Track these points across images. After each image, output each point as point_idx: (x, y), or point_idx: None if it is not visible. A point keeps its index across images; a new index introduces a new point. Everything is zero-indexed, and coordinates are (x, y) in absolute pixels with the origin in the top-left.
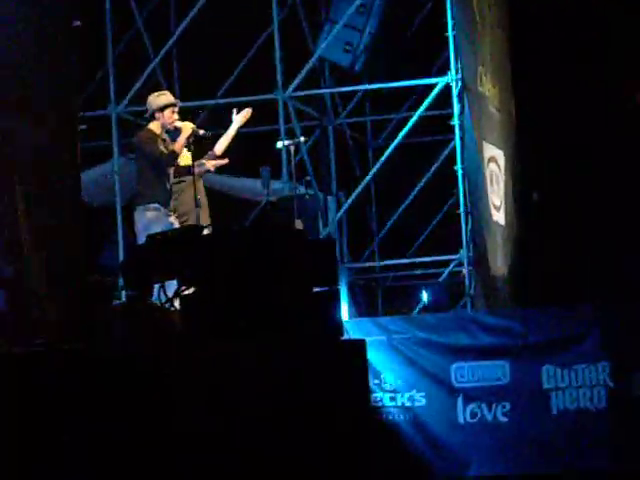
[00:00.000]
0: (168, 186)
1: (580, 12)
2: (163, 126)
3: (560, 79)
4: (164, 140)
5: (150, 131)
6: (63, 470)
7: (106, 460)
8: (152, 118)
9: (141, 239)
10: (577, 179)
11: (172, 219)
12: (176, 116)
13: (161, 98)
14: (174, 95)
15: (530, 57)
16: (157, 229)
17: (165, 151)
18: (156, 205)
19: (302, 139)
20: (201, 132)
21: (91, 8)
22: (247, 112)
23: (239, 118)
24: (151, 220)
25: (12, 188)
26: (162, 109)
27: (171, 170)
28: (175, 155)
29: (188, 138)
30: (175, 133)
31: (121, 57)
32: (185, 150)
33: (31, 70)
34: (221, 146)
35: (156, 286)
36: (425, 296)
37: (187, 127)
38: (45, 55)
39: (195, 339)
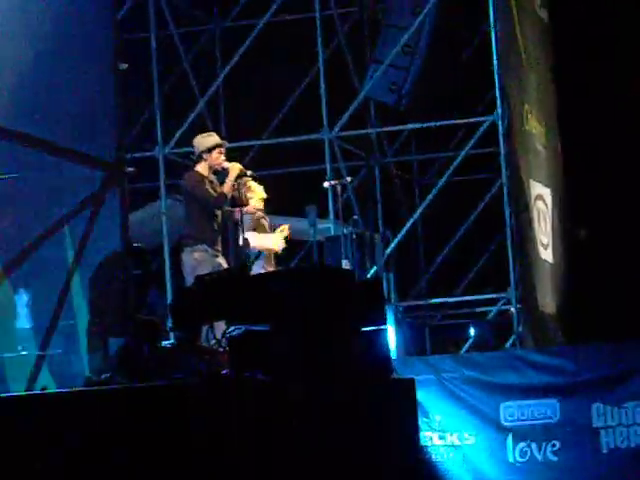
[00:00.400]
0: (216, 227)
1: (623, 42)
2: (210, 167)
3: (606, 115)
4: (211, 182)
5: (198, 173)
6: None
7: None
8: (199, 159)
9: (189, 280)
10: (624, 215)
11: (220, 260)
12: (223, 157)
13: (209, 139)
14: (220, 136)
15: (575, 94)
16: (205, 270)
17: (214, 193)
18: (204, 246)
19: (348, 179)
20: (248, 173)
21: (138, 49)
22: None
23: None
24: (199, 261)
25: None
26: (210, 150)
27: (219, 212)
28: (224, 196)
29: (236, 179)
30: (223, 174)
31: (168, 98)
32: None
33: (81, 111)
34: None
35: (204, 327)
36: (473, 332)
37: (235, 168)
38: (94, 97)
39: (243, 378)
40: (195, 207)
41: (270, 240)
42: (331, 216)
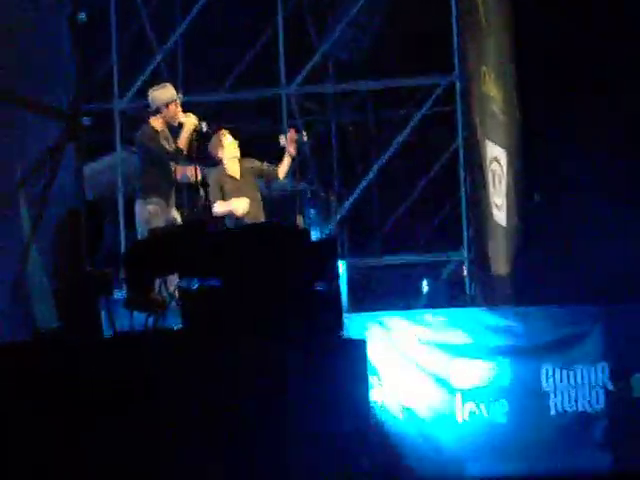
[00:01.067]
0: (170, 181)
1: (586, 12)
2: (166, 121)
3: (567, 79)
4: (166, 137)
5: (152, 127)
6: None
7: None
8: (155, 112)
9: (142, 232)
10: (579, 178)
11: (174, 214)
12: (180, 110)
13: (165, 93)
14: (177, 89)
15: (536, 57)
16: (158, 223)
17: (168, 148)
18: (158, 199)
19: (305, 136)
20: (204, 127)
21: (96, 1)
22: (292, 133)
23: (288, 141)
24: (152, 214)
25: (14, 182)
26: (167, 104)
27: (174, 165)
28: (179, 151)
29: (191, 133)
30: (177, 127)
31: (125, 50)
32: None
33: (34, 64)
34: (283, 171)
35: (157, 280)
36: (425, 286)
37: (190, 122)
38: (49, 49)
39: (194, 334)
40: (149, 161)
41: (232, 205)
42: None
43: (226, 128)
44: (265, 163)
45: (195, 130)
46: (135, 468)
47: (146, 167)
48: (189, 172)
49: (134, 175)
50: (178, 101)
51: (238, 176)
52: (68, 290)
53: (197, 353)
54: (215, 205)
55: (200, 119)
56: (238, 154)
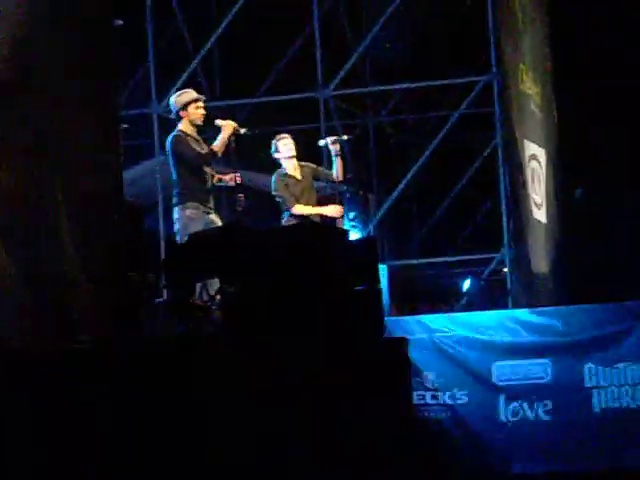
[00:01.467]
0: (206, 185)
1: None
2: (192, 123)
3: (603, 76)
4: (196, 139)
5: (180, 132)
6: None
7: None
8: (179, 118)
9: (181, 237)
10: (617, 177)
11: (213, 216)
12: (202, 111)
13: (183, 96)
14: (213, 95)
15: (573, 54)
16: (197, 227)
17: (200, 151)
18: (194, 203)
19: (345, 137)
20: (242, 130)
21: (132, 6)
22: (333, 139)
23: (332, 145)
24: (191, 218)
25: (53, 188)
26: (185, 107)
27: (208, 168)
28: (213, 154)
29: (230, 137)
30: (215, 130)
31: (162, 55)
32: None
33: (73, 69)
34: (339, 173)
35: (198, 285)
36: (467, 285)
37: (229, 125)
38: (87, 54)
39: (236, 337)
40: (182, 166)
41: (325, 211)
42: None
43: (264, 130)
44: (319, 166)
45: (234, 134)
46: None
47: (180, 172)
48: (227, 177)
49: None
50: (200, 103)
51: (299, 176)
52: (110, 295)
53: (238, 356)
54: (297, 207)
55: (239, 124)
56: (295, 154)
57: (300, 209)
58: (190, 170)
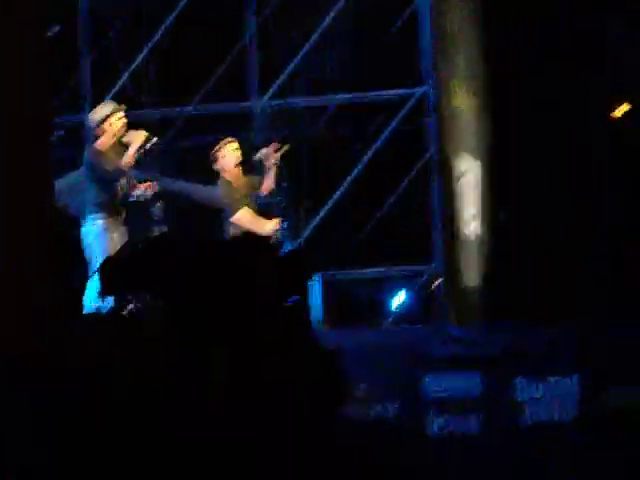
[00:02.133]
0: (117, 198)
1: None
2: (110, 138)
3: (538, 91)
4: (117, 153)
5: (94, 149)
6: None
7: None
8: (98, 131)
9: (95, 247)
10: (550, 196)
11: (123, 230)
12: (119, 123)
13: (98, 111)
14: (146, 104)
15: (507, 69)
16: (112, 238)
17: (109, 169)
18: (104, 214)
19: (286, 147)
20: (154, 139)
21: (67, 13)
22: (274, 146)
23: (269, 154)
24: (105, 229)
25: None
26: (100, 124)
27: (122, 181)
28: (120, 171)
29: (140, 148)
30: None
31: (96, 64)
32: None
33: (6, 76)
34: (270, 185)
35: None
36: (403, 297)
37: (139, 136)
38: (20, 62)
39: (162, 349)
40: (96, 180)
41: (260, 225)
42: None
43: (195, 142)
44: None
45: (145, 144)
46: None
47: (94, 185)
48: (142, 187)
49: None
50: (116, 116)
51: (241, 187)
52: (38, 302)
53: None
54: (239, 214)
55: (149, 134)
56: (238, 163)
57: (244, 214)
58: (100, 186)
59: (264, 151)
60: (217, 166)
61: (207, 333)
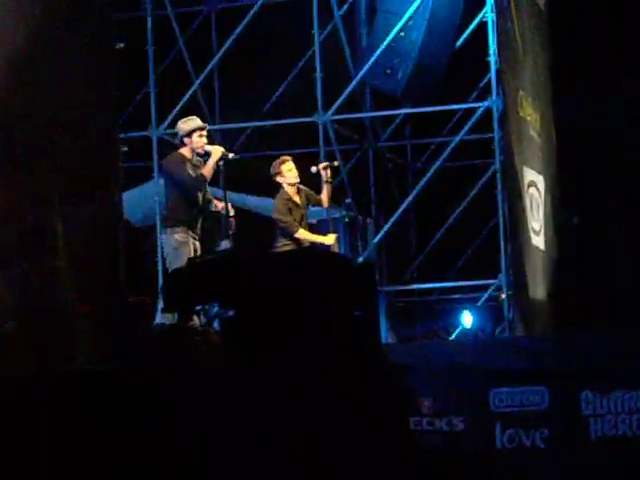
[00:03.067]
0: (195, 210)
1: (625, 34)
2: (193, 150)
3: (601, 103)
4: (195, 165)
5: (179, 155)
6: None
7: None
8: (182, 143)
9: (171, 261)
10: (616, 205)
11: (197, 244)
12: (204, 140)
13: (189, 123)
14: (205, 119)
15: (572, 81)
16: (185, 251)
17: (192, 174)
18: (184, 228)
19: (336, 163)
20: (230, 155)
21: (133, 29)
22: (324, 165)
23: (322, 171)
24: (180, 242)
25: (51, 205)
26: (189, 134)
27: (200, 194)
28: (203, 179)
29: (218, 162)
30: (208, 156)
31: (163, 78)
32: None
33: (75, 90)
34: (325, 199)
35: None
36: (467, 319)
37: (217, 151)
38: (88, 74)
39: (235, 361)
40: (174, 189)
41: (321, 239)
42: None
43: (264, 155)
44: (311, 191)
45: (222, 159)
46: None
47: (172, 196)
48: (220, 205)
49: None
50: (204, 132)
51: (299, 202)
52: (107, 316)
53: (235, 379)
54: (300, 233)
55: (235, 148)
56: (298, 180)
57: (303, 234)
58: (181, 193)
59: (314, 169)
60: (276, 181)
61: (278, 345)
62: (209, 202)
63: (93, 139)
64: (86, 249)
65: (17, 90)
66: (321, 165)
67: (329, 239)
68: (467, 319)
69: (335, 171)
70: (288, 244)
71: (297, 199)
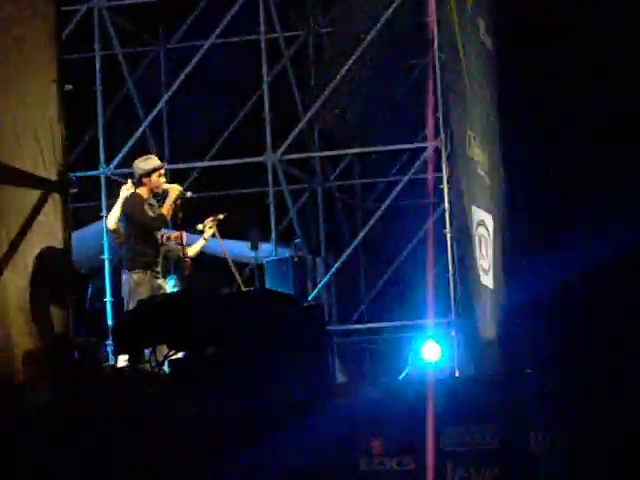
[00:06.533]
0: (155, 249)
1: (573, 68)
2: (150, 190)
3: (551, 141)
4: (151, 205)
5: (137, 195)
6: None
7: None
8: (139, 183)
9: (128, 302)
10: (564, 243)
11: (160, 281)
12: (163, 179)
13: (148, 162)
14: (162, 158)
15: (519, 121)
16: (144, 292)
17: (153, 215)
18: (143, 268)
19: (189, 194)
20: (188, 194)
21: (82, 69)
22: (211, 220)
23: (208, 228)
24: (137, 283)
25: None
26: (149, 174)
27: (159, 234)
28: (163, 218)
29: (175, 200)
30: (163, 196)
31: (111, 118)
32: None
33: (20, 132)
34: (194, 252)
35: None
36: (432, 350)
37: (174, 189)
38: (34, 120)
39: (184, 401)
40: (134, 229)
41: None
42: (273, 239)
43: (212, 195)
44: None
45: (179, 197)
46: None
47: (130, 235)
48: (173, 236)
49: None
50: (162, 171)
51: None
52: (55, 356)
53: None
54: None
55: (184, 188)
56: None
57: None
58: (140, 234)
59: (200, 227)
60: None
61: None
62: (167, 240)
63: (43, 180)
64: (34, 290)
65: None
66: (207, 222)
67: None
68: (431, 351)
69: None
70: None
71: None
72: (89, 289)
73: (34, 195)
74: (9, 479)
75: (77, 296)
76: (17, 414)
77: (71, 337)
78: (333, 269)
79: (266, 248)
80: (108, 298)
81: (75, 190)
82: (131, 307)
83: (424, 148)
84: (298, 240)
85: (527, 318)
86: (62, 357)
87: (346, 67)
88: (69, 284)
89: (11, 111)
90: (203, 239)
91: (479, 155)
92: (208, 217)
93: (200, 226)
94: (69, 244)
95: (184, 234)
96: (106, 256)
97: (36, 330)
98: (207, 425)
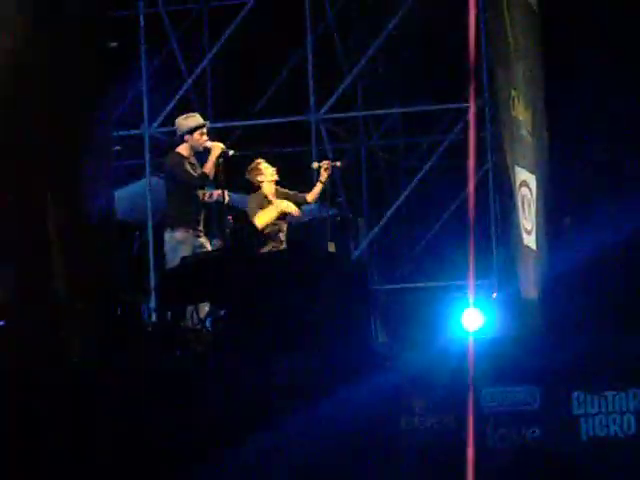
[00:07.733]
0: (197, 207)
1: (617, 35)
2: (192, 148)
3: (594, 101)
4: (192, 163)
5: (179, 154)
6: None
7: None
8: (181, 140)
9: (170, 259)
10: (608, 204)
11: (202, 240)
12: (205, 137)
13: (190, 120)
14: (205, 116)
15: (564, 80)
16: (186, 250)
17: (194, 174)
18: (185, 226)
19: (338, 163)
20: (230, 152)
21: (125, 28)
22: (326, 164)
23: (322, 169)
24: (179, 241)
25: (45, 206)
26: (191, 131)
27: (201, 192)
28: (205, 176)
29: (218, 158)
30: (205, 153)
31: (154, 76)
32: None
33: (66, 89)
34: (314, 197)
35: (189, 308)
36: (475, 319)
37: (217, 148)
38: (79, 75)
39: (226, 359)
40: (176, 187)
41: (281, 206)
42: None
43: (255, 153)
44: (291, 191)
45: (222, 156)
46: None
47: (173, 194)
48: (215, 194)
49: (162, 201)
50: (204, 129)
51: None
52: (99, 313)
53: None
54: (257, 217)
55: (227, 146)
56: (276, 178)
57: (261, 220)
58: (183, 192)
59: (315, 165)
60: (256, 180)
61: (269, 342)
62: (210, 197)
63: (87, 137)
64: (79, 247)
65: (15, 87)
66: (324, 163)
67: (290, 207)
68: (473, 319)
69: (334, 173)
70: (275, 245)
71: (273, 199)
72: (135, 239)
73: (78, 150)
74: (45, 432)
75: (123, 246)
76: (59, 368)
77: (117, 292)
78: (376, 229)
79: (309, 207)
80: (151, 255)
81: (118, 147)
82: (173, 265)
83: (468, 108)
84: (340, 200)
85: (569, 280)
86: (107, 312)
87: (390, 25)
88: (113, 237)
89: (60, 67)
90: (320, 182)
91: (523, 114)
92: (325, 161)
93: (315, 164)
94: (112, 199)
95: (226, 193)
96: (149, 214)
97: (80, 284)
98: (256, 379)
